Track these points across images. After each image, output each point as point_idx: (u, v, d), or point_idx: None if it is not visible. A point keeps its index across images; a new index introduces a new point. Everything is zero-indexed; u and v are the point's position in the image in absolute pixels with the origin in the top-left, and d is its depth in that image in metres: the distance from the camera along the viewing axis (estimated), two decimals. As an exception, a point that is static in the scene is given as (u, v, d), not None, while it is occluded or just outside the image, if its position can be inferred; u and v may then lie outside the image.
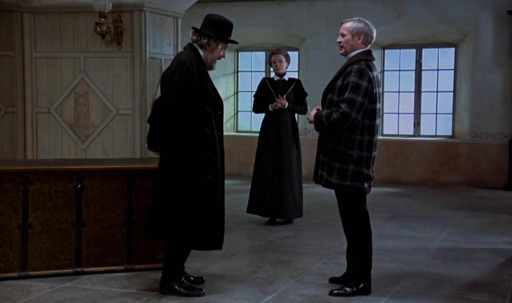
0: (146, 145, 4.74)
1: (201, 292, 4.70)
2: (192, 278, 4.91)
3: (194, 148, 4.50)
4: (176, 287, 4.67)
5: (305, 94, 7.42)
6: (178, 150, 4.52)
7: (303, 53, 11.79)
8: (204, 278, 5.01)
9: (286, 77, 7.39)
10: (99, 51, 6.86)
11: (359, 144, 4.60)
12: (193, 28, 4.64)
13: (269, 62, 7.67)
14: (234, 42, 4.72)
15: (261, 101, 7.40)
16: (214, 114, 4.63)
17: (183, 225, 4.54)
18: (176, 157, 4.53)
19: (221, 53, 4.66)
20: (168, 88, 4.47)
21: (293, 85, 7.34)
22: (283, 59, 7.33)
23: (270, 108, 7.28)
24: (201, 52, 4.61)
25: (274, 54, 7.36)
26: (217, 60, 4.70)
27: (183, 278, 4.76)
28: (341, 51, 4.76)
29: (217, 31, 4.58)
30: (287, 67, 7.41)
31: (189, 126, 4.51)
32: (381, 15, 10.92)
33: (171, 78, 4.47)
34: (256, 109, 7.48)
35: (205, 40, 4.57)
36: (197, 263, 5.47)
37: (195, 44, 4.61)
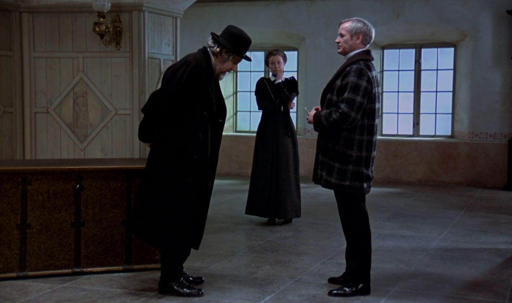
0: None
1: (200, 292, 4.69)
2: (191, 278, 4.91)
3: (181, 149, 4.50)
4: (175, 287, 4.67)
5: (297, 91, 7.42)
6: (165, 148, 4.53)
7: (302, 53, 11.78)
8: (203, 279, 5.01)
9: (282, 77, 7.39)
10: (98, 51, 6.85)
11: (359, 144, 4.59)
12: (212, 34, 4.62)
13: (266, 62, 7.64)
14: (247, 59, 4.67)
15: (262, 99, 7.41)
16: (213, 122, 4.63)
17: (165, 226, 4.55)
18: (162, 155, 4.54)
19: (231, 65, 4.62)
20: (168, 83, 4.48)
21: (287, 80, 7.33)
22: (282, 60, 7.34)
23: (290, 105, 7.29)
24: (212, 59, 4.59)
25: (272, 55, 7.34)
26: (226, 72, 4.67)
27: (182, 278, 4.75)
28: (339, 50, 4.75)
29: (232, 44, 4.54)
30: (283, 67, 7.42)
31: (181, 126, 4.51)
32: (380, 15, 10.92)
33: (174, 74, 4.48)
34: (262, 105, 7.44)
35: (218, 49, 4.55)
36: (196, 263, 5.47)
37: (208, 50, 4.59)
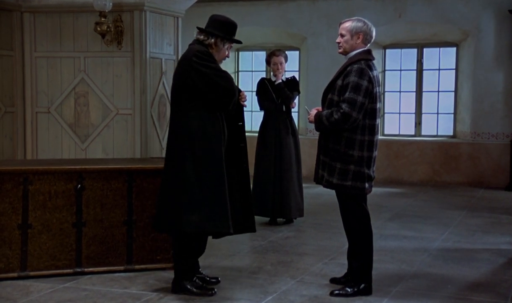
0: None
1: (213, 292, 4.69)
2: (207, 278, 4.92)
3: (207, 139, 4.57)
4: (188, 286, 4.67)
5: (298, 90, 7.41)
6: (189, 140, 4.54)
7: (304, 53, 11.77)
8: (219, 279, 5.01)
9: (283, 78, 7.39)
10: (99, 51, 6.84)
11: (360, 144, 4.58)
12: (198, 28, 4.67)
13: (267, 62, 7.62)
14: (239, 42, 4.77)
15: (263, 99, 7.41)
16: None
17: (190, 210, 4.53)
18: (186, 148, 4.53)
19: (226, 53, 4.72)
20: (216, 72, 4.55)
21: (288, 80, 7.34)
22: (284, 61, 7.35)
23: (292, 105, 7.35)
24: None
25: (275, 56, 7.33)
26: (222, 61, 4.76)
27: (195, 278, 4.74)
28: (340, 50, 4.75)
29: (223, 31, 4.65)
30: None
31: (201, 116, 4.57)
32: (382, 15, 10.91)
33: (208, 65, 4.53)
34: (263, 106, 7.44)
35: (212, 40, 4.63)
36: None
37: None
